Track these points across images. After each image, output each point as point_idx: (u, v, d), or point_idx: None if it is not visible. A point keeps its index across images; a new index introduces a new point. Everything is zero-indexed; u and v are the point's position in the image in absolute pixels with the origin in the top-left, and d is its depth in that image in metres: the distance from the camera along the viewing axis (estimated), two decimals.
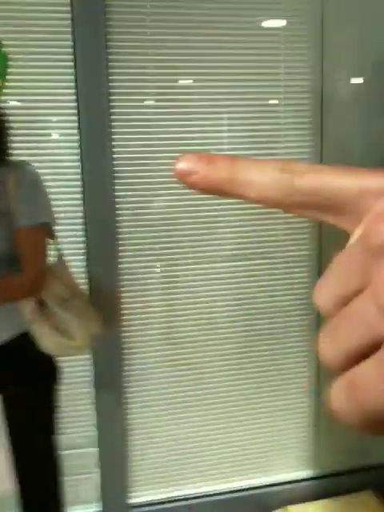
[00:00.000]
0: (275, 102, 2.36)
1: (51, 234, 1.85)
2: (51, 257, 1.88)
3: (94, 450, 2.46)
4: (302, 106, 2.36)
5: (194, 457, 2.58)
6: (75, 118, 2.18)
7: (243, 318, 2.48)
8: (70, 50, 2.15)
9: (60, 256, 1.91)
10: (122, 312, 2.36)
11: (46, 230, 1.81)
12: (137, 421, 2.49)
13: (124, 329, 2.38)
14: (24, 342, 1.81)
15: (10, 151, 1.80)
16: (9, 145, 1.80)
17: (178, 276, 2.40)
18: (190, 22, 2.23)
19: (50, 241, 1.87)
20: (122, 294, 2.34)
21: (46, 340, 1.79)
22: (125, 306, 2.36)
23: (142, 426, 2.50)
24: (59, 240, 2.04)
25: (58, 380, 1.96)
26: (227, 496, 2.60)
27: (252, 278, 2.45)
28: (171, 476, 2.58)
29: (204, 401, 2.53)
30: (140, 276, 2.36)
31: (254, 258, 2.45)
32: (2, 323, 1.79)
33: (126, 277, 2.34)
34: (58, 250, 1.91)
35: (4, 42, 2.09)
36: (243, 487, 2.63)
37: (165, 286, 2.41)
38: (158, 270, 2.39)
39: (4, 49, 2.10)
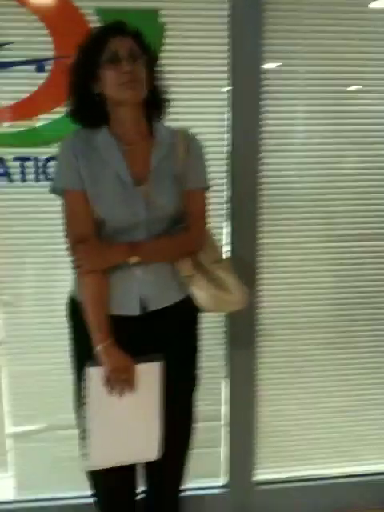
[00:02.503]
0: None
1: None
2: None
3: (221, 423, 2.48)
4: None
5: (322, 438, 2.58)
6: (227, 84, 2.22)
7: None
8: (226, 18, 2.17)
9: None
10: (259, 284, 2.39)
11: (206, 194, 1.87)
12: (267, 399, 2.50)
13: (259, 306, 2.40)
14: (187, 305, 1.86)
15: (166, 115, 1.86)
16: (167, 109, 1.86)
17: (313, 250, 2.42)
18: None
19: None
20: (259, 264, 2.37)
21: (205, 293, 1.84)
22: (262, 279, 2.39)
23: (272, 404, 2.51)
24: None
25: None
26: (350, 480, 2.59)
27: None
28: (298, 455, 2.59)
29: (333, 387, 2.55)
30: (277, 246, 2.39)
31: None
32: (171, 286, 1.83)
33: (263, 246, 2.37)
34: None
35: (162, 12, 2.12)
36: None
37: (301, 262, 2.42)
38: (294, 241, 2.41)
39: (160, 19, 2.13)
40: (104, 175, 1.73)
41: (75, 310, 1.82)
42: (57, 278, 2.25)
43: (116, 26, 1.71)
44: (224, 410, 2.46)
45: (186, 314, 1.88)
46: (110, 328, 1.74)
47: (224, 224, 2.30)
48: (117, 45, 1.65)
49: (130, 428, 1.77)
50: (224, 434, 2.48)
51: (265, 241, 2.35)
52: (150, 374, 1.76)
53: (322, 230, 2.39)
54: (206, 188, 1.86)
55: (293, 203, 2.36)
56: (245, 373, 2.41)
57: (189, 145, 1.80)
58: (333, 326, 2.48)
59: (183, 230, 1.81)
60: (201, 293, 1.84)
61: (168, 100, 1.82)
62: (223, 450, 2.50)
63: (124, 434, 1.77)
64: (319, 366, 2.51)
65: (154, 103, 1.79)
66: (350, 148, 2.36)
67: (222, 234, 2.30)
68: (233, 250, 2.30)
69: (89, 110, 1.74)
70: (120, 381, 1.74)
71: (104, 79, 1.67)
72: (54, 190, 1.79)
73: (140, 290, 1.78)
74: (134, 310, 1.78)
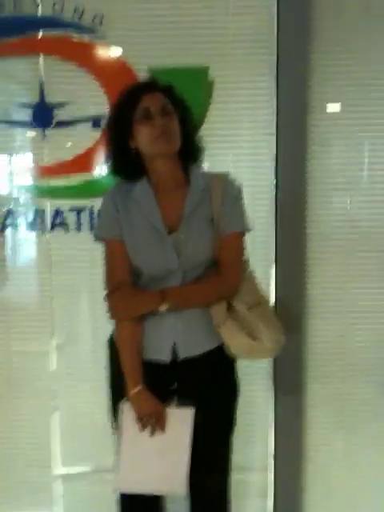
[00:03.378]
0: None
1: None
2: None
3: (268, 474, 2.44)
4: None
5: (374, 497, 2.49)
6: (274, 134, 2.28)
7: None
8: (273, 80, 2.25)
9: (248, 264, 1.94)
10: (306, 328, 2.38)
11: (244, 239, 1.87)
12: (315, 450, 2.45)
13: (307, 352, 2.39)
14: (221, 353, 1.85)
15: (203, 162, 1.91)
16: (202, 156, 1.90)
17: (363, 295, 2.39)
18: None
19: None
20: (307, 310, 2.37)
21: (235, 341, 1.82)
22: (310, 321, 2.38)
23: (320, 456, 2.46)
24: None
25: (239, 396, 1.96)
26: None
27: None
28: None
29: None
30: (326, 294, 2.38)
31: None
32: (203, 334, 1.85)
33: (312, 292, 2.37)
34: (247, 258, 1.93)
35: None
36: None
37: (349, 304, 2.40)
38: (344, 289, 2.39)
39: (209, 76, 2.23)
40: (139, 224, 1.79)
41: (113, 348, 1.88)
42: (106, 320, 2.32)
43: (147, 83, 1.82)
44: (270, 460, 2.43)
45: (219, 363, 1.87)
46: (142, 373, 1.79)
47: (272, 269, 2.33)
48: (149, 101, 1.73)
49: (159, 461, 1.81)
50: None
51: (312, 286, 2.37)
52: (181, 419, 1.80)
53: (374, 276, 2.38)
54: (243, 231, 1.85)
55: (342, 249, 2.37)
56: (292, 423, 2.38)
57: (224, 188, 1.81)
58: None
59: (217, 274, 1.82)
60: (232, 340, 1.83)
61: (203, 148, 1.88)
62: (269, 503, 2.46)
63: (152, 466, 1.81)
64: (371, 419, 2.44)
65: (189, 152, 1.84)
66: None
67: (270, 279, 2.32)
68: (278, 296, 2.31)
69: (127, 164, 1.82)
70: (150, 423, 1.79)
71: (138, 135, 1.75)
72: (96, 238, 1.88)
73: (172, 337, 1.82)
74: (165, 357, 1.82)
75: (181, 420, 1.81)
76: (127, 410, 1.81)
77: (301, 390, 2.38)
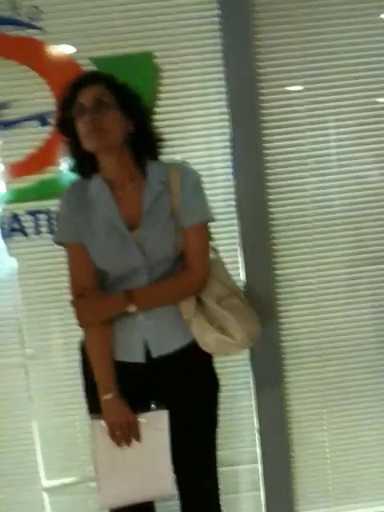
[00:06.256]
0: None
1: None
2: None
3: (257, 466, 2.38)
4: None
5: (362, 473, 2.44)
6: (227, 116, 2.20)
7: None
8: (220, 60, 2.19)
9: (217, 254, 1.87)
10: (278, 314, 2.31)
11: (208, 228, 1.79)
12: (301, 435, 2.40)
13: (281, 339, 2.32)
14: (195, 349, 1.77)
15: (162, 152, 1.81)
16: (161, 147, 1.81)
17: (332, 277, 2.33)
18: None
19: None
20: (278, 295, 2.31)
21: (206, 337, 1.76)
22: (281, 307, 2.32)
23: (307, 440, 2.40)
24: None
25: (219, 392, 1.89)
26: None
27: None
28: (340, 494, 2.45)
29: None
30: (295, 276, 2.32)
31: None
32: (175, 331, 1.77)
33: (281, 277, 2.31)
34: (215, 248, 1.87)
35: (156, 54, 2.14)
36: None
37: (318, 286, 2.34)
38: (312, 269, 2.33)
39: (155, 61, 2.15)
40: (99, 224, 1.71)
41: (84, 354, 1.80)
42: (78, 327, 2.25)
43: (83, 77, 1.72)
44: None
45: (195, 359, 1.79)
46: (114, 378, 1.72)
47: (239, 257, 2.26)
48: (82, 96, 1.65)
49: (140, 469, 1.73)
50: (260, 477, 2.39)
51: (280, 271, 2.30)
52: (156, 422, 1.72)
53: (344, 255, 2.31)
54: (207, 221, 1.77)
55: (308, 230, 2.30)
56: (275, 412, 2.32)
57: (182, 179, 1.73)
58: (363, 353, 2.37)
59: (183, 268, 1.75)
60: (202, 336, 1.76)
61: (159, 139, 1.78)
62: (261, 495, 2.40)
63: (134, 475, 1.73)
64: (352, 396, 2.39)
65: (141, 144, 1.74)
66: (368, 168, 2.30)
67: (238, 268, 2.25)
68: (248, 283, 2.23)
69: (80, 162, 1.74)
70: (123, 434, 1.71)
71: (78, 131, 1.68)
72: (56, 242, 1.81)
73: (143, 335, 1.74)
74: (138, 357, 1.74)
75: (156, 423, 1.73)
76: (97, 427, 1.73)
77: (280, 378, 2.32)
